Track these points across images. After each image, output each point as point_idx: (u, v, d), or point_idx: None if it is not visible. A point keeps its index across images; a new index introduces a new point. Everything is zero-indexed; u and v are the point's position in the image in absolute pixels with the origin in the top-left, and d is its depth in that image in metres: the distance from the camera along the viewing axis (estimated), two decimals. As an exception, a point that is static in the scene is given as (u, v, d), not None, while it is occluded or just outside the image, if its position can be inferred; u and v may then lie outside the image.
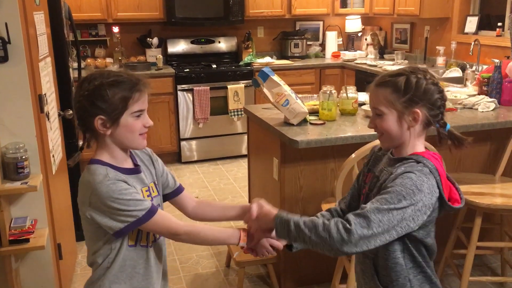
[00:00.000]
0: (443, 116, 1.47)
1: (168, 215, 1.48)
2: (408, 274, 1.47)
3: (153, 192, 1.56)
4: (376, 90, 1.47)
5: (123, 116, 1.41)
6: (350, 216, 1.34)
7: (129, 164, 1.51)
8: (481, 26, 4.54)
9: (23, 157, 2.18)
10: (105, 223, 1.39)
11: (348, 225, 1.32)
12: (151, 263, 1.53)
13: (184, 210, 1.70)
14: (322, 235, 1.33)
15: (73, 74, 3.44)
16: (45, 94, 2.47)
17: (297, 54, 5.60)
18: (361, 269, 1.59)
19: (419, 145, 1.47)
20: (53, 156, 2.58)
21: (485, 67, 3.85)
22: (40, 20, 2.53)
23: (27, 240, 2.19)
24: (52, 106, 2.67)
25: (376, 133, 1.52)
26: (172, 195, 1.67)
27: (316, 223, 1.36)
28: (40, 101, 2.35)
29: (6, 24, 2.09)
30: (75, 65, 3.58)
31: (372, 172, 1.56)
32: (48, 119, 2.53)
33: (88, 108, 1.39)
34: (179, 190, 1.69)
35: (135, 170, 1.51)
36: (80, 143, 3.27)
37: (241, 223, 1.67)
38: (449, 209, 1.44)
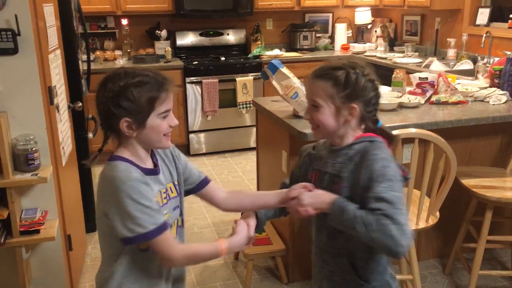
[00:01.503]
0: (376, 113, 1.49)
1: (172, 237, 1.41)
2: (385, 261, 1.50)
3: (172, 193, 1.50)
4: (314, 81, 1.46)
5: (149, 117, 1.35)
6: (395, 215, 1.29)
7: (149, 164, 1.45)
8: (492, 18, 4.48)
9: (33, 148, 2.19)
10: (116, 226, 1.32)
11: (397, 226, 1.28)
12: (162, 269, 1.47)
13: (214, 202, 1.64)
14: (376, 234, 1.29)
15: (83, 67, 3.45)
16: (54, 86, 2.48)
17: (306, 47, 5.57)
18: (329, 271, 1.55)
19: (356, 135, 1.49)
20: (62, 148, 2.59)
21: (496, 59, 3.81)
22: (50, 12, 2.54)
23: (38, 231, 2.21)
24: (62, 98, 2.68)
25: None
26: (197, 188, 1.61)
27: (368, 221, 1.31)
28: (50, 93, 2.36)
29: (16, 16, 2.10)
30: (85, 57, 3.59)
31: (317, 170, 1.55)
32: (58, 111, 2.54)
33: (113, 110, 1.32)
34: (204, 182, 1.61)
35: (154, 171, 1.44)
36: (90, 135, 3.34)
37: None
38: None
